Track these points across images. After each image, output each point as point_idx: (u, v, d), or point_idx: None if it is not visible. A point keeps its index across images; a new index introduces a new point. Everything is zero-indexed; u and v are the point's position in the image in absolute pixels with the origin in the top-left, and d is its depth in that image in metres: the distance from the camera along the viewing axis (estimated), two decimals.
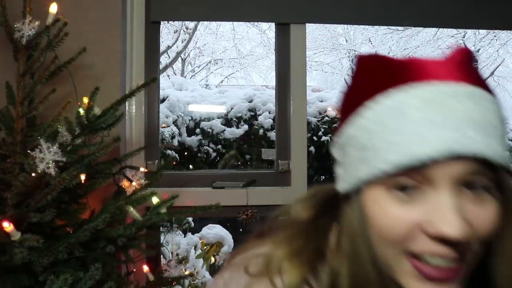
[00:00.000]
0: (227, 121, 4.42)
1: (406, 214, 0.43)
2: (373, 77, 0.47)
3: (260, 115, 4.39)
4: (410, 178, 0.43)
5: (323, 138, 4.03)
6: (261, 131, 4.30)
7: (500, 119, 0.44)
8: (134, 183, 1.30)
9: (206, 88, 5.77)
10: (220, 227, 3.17)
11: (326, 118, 4.15)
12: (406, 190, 0.43)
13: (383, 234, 0.45)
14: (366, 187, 0.46)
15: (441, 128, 0.41)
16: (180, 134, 4.29)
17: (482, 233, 0.43)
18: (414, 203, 0.43)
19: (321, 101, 4.37)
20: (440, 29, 9.68)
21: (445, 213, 0.41)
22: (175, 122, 4.21)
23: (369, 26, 9.73)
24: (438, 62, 0.46)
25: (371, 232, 0.46)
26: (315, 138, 4.03)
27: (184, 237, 2.80)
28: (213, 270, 2.93)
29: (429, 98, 0.43)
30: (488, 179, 0.43)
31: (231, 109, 4.44)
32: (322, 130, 4.11)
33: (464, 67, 0.46)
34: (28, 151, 1.01)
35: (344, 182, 0.49)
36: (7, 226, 0.94)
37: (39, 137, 1.01)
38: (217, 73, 12.00)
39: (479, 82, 0.45)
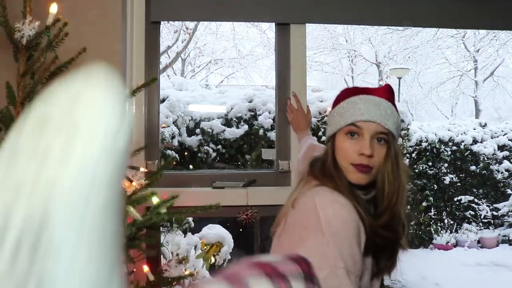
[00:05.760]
0: (227, 121, 4.42)
1: (352, 146, 0.95)
2: (346, 92, 1.03)
3: (260, 115, 4.38)
4: (354, 128, 0.95)
5: (323, 138, 4.03)
6: (261, 131, 4.30)
7: (396, 115, 0.98)
8: (134, 183, 1.30)
9: (206, 88, 5.77)
10: (220, 227, 3.17)
11: (326, 118, 4.15)
12: (353, 136, 0.96)
13: (342, 154, 0.97)
14: (337, 133, 0.99)
15: (368, 110, 0.95)
16: (180, 134, 4.29)
17: (378, 158, 0.95)
18: (355, 142, 0.95)
19: (321, 101, 4.36)
20: (440, 29, 9.68)
21: (365, 145, 0.93)
22: (175, 122, 4.21)
23: (369, 26, 9.73)
24: (374, 88, 1.01)
25: (337, 151, 0.99)
26: None
27: (184, 237, 2.80)
28: (213, 270, 2.93)
29: (365, 98, 0.97)
30: (385, 136, 0.95)
31: (231, 109, 4.44)
32: (322, 130, 4.11)
33: (385, 92, 1.00)
34: None
35: (329, 131, 1.02)
36: None
37: None
38: (217, 73, 12.02)
39: (391, 100, 0.99)
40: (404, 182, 0.97)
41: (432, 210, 6.40)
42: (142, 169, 1.36)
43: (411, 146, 6.17)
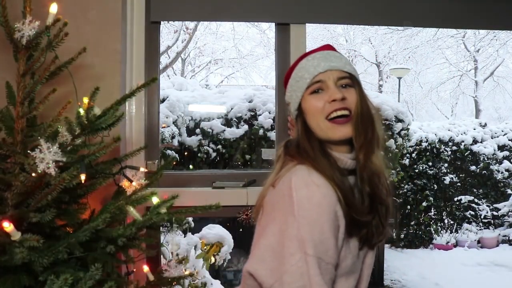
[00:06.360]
0: (227, 121, 4.42)
1: (321, 98, 0.94)
2: (291, 68, 1.03)
3: (260, 115, 4.38)
4: (316, 84, 0.95)
5: None
6: (261, 131, 4.30)
7: (349, 62, 0.99)
8: (134, 183, 1.30)
9: (206, 88, 5.77)
10: (220, 227, 3.17)
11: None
12: (318, 92, 0.95)
13: (314, 112, 0.95)
14: (302, 100, 0.98)
15: (321, 62, 0.96)
16: (180, 134, 4.29)
17: (351, 99, 0.94)
18: (322, 96, 0.94)
19: None
20: (440, 29, 9.68)
21: (334, 92, 0.93)
22: (175, 122, 4.21)
23: (369, 26, 9.72)
24: (315, 48, 1.02)
25: (309, 116, 0.97)
26: None
27: (184, 237, 2.80)
28: (213, 270, 2.93)
29: (313, 56, 0.99)
30: (348, 81, 0.96)
31: (231, 109, 4.44)
32: None
33: (327, 47, 1.02)
34: (28, 151, 1.01)
35: (294, 104, 1.00)
36: (7, 226, 0.94)
37: (39, 137, 1.01)
38: (217, 73, 12.03)
39: (335, 50, 1.02)
40: (376, 120, 0.96)
41: (432, 210, 6.40)
42: (142, 169, 1.35)
43: (411, 146, 6.17)
